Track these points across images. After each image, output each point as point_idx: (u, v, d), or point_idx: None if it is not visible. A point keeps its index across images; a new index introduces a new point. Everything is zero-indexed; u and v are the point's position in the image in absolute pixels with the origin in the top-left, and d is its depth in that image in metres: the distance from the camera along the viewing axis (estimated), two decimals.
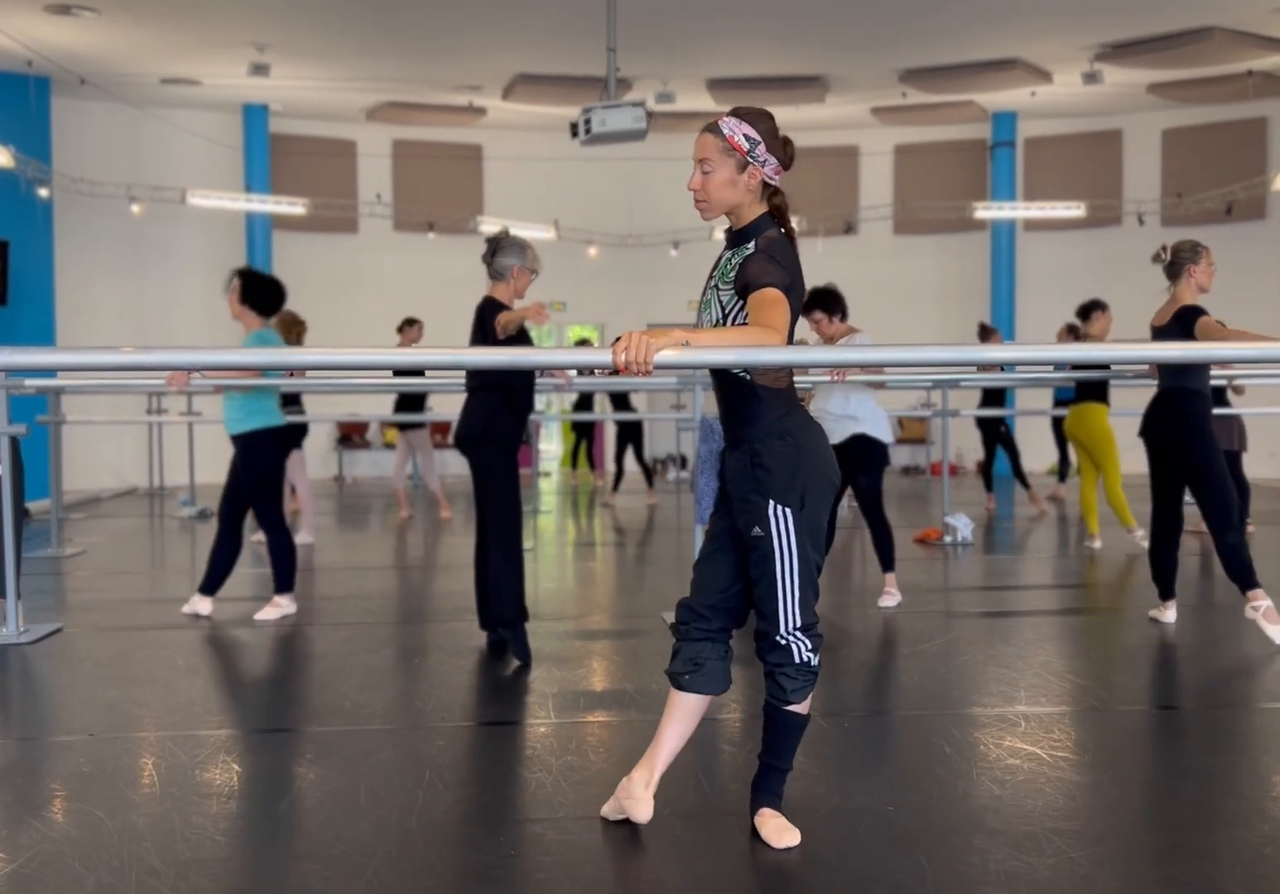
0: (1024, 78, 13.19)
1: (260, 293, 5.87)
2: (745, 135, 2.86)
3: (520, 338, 5.07)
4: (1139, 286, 14.95)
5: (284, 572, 5.96)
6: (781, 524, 2.88)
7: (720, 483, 3.08)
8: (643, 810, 3.01)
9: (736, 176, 2.88)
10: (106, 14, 10.69)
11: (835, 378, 6.05)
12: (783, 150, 2.91)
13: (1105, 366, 7.25)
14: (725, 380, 2.97)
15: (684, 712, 3.04)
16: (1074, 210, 14.42)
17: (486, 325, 5.04)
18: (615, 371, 2.82)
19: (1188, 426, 5.25)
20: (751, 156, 2.87)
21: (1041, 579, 7.27)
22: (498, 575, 5.04)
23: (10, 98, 12.45)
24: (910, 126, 15.53)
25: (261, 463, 5.84)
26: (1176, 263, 5.33)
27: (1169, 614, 5.62)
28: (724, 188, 2.89)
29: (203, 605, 6.04)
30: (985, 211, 14.82)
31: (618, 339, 2.66)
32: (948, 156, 15.95)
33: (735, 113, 2.92)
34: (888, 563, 6.24)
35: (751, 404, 2.92)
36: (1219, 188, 14.10)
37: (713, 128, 2.91)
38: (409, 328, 10.12)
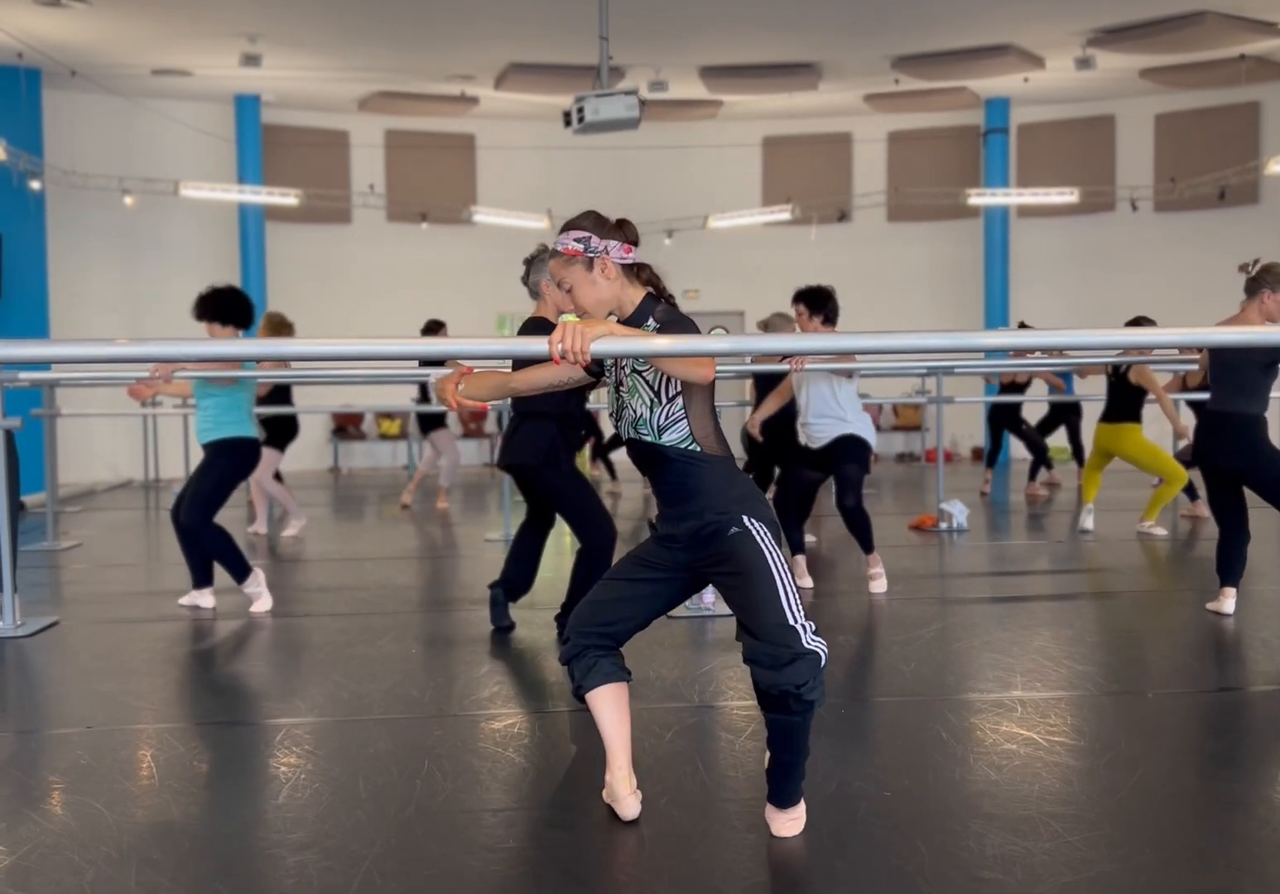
0: (1016, 63, 13.17)
1: (238, 307, 5.76)
2: (574, 239, 2.93)
3: (563, 395, 4.85)
4: (1131, 272, 15.09)
5: (234, 563, 5.85)
6: (758, 526, 2.86)
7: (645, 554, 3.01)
8: (629, 808, 3.01)
9: (590, 275, 2.92)
10: (97, 5, 10.65)
11: (794, 367, 5.99)
12: (619, 232, 2.95)
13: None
14: (668, 458, 2.89)
15: (605, 707, 3.01)
16: (1067, 196, 14.42)
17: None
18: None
19: (1253, 452, 5.15)
20: (590, 251, 2.91)
21: (1037, 564, 7.28)
22: (581, 582, 4.99)
23: (1, 90, 12.41)
24: (903, 113, 15.51)
25: (219, 470, 5.75)
26: (1257, 280, 5.21)
27: (1228, 603, 5.42)
28: (589, 291, 2.92)
29: (204, 599, 6.04)
30: (979, 198, 14.81)
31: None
32: (941, 143, 15.94)
33: (562, 229, 2.99)
34: (868, 545, 6.24)
35: (702, 474, 2.88)
36: (1212, 173, 14.10)
37: (552, 254, 2.98)
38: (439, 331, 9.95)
